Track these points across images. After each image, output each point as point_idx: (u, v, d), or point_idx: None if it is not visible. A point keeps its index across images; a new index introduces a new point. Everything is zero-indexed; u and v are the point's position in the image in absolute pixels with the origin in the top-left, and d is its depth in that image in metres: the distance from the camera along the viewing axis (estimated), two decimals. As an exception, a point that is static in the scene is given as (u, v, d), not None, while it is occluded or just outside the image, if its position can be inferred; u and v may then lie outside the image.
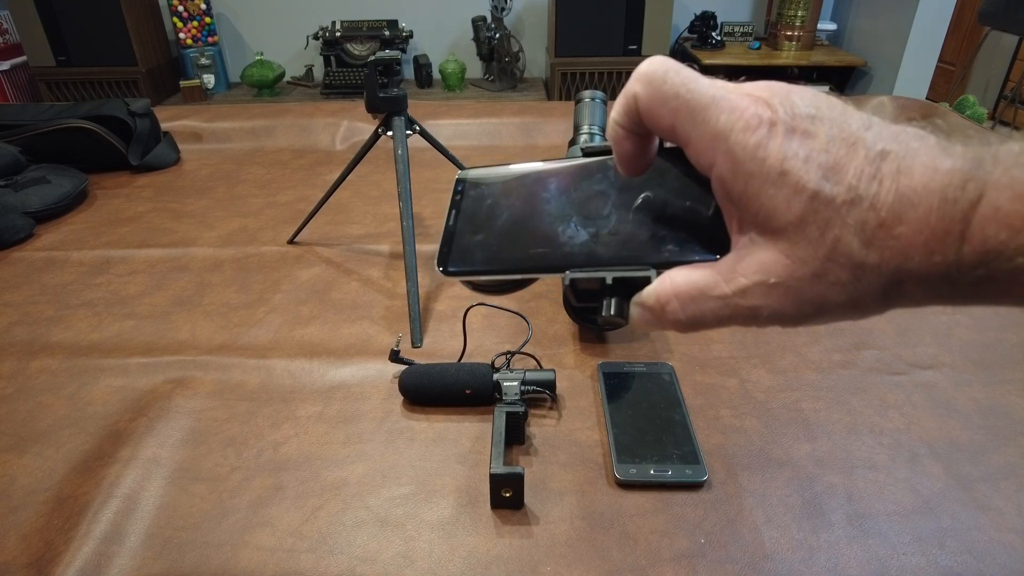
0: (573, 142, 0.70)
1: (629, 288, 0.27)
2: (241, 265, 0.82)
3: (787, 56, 2.63)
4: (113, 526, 0.47)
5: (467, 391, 0.57)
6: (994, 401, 0.58)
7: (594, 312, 0.28)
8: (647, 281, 0.26)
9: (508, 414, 0.53)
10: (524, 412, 0.53)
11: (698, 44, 2.74)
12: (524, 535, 0.47)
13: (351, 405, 0.59)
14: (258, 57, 2.66)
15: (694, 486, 0.50)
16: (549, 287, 0.76)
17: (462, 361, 0.62)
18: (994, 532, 0.46)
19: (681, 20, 2.80)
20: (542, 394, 0.57)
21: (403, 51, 2.71)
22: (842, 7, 2.89)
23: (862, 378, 0.61)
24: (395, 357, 0.60)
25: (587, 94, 0.71)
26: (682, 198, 0.27)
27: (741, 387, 0.60)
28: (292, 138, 1.24)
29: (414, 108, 0.92)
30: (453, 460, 0.53)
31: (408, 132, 0.77)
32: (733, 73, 2.54)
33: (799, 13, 2.61)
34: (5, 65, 2.52)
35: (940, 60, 2.57)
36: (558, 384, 0.59)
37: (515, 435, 0.53)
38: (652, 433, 0.54)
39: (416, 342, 0.67)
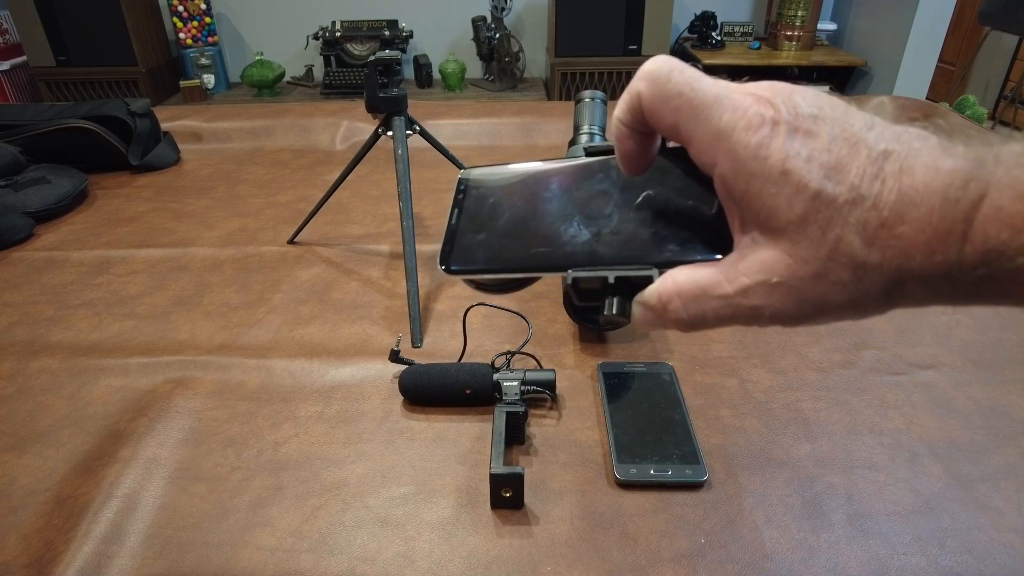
0: (573, 142, 0.70)
1: (631, 287, 0.27)
2: (241, 265, 0.82)
3: (787, 56, 2.63)
4: (113, 526, 0.47)
5: (467, 391, 0.57)
6: (994, 401, 0.58)
7: (596, 312, 0.28)
8: (649, 280, 0.26)
9: (508, 414, 0.53)
10: (524, 412, 0.53)
11: (698, 44, 2.74)
12: (524, 535, 0.47)
13: (351, 405, 0.59)
14: (258, 57, 2.66)
15: (694, 486, 0.50)
16: (549, 287, 0.76)
17: (462, 361, 0.62)
18: (994, 532, 0.46)
19: (681, 20, 2.80)
20: (542, 394, 0.57)
21: (403, 51, 2.71)
22: (842, 7, 2.89)
23: (862, 378, 0.61)
24: (395, 357, 0.60)
25: (587, 94, 0.71)
26: (684, 198, 0.27)
27: (741, 387, 0.60)
28: (292, 138, 1.24)
29: (414, 108, 0.92)
30: (453, 460, 0.53)
31: (408, 132, 0.77)
32: (733, 73, 2.54)
33: (799, 13, 2.61)
34: (5, 65, 2.52)
35: (940, 60, 2.57)
36: (558, 384, 0.59)
37: (515, 435, 0.53)
38: (652, 433, 0.54)
39: (416, 342, 0.67)
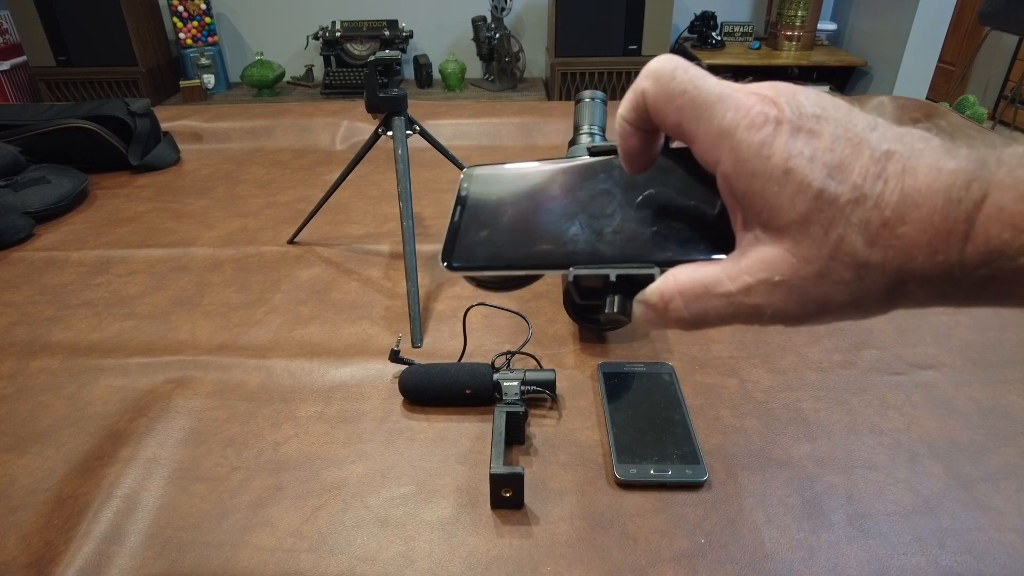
0: (573, 142, 0.70)
1: (633, 286, 0.27)
2: (241, 265, 0.82)
3: (787, 56, 2.63)
4: (113, 526, 0.47)
5: (467, 391, 0.57)
6: (994, 401, 0.58)
7: (597, 311, 0.28)
8: (651, 279, 0.26)
9: (508, 414, 0.53)
10: (524, 412, 0.53)
11: (698, 44, 2.74)
12: (524, 535, 0.47)
13: (351, 405, 0.59)
14: (258, 57, 2.66)
15: (694, 486, 0.50)
16: (549, 287, 0.76)
17: (462, 361, 0.62)
18: (994, 532, 0.46)
19: (681, 20, 2.80)
20: (542, 394, 0.57)
21: (403, 51, 2.71)
22: (842, 7, 2.89)
23: (862, 378, 0.61)
24: (395, 357, 0.60)
25: (587, 94, 0.71)
26: (687, 197, 0.27)
27: (741, 387, 0.60)
28: (292, 138, 1.24)
29: (414, 108, 0.92)
30: (453, 460, 0.53)
31: (408, 132, 0.77)
32: (734, 73, 2.54)
33: (799, 13, 2.61)
34: (5, 65, 2.52)
35: (940, 60, 2.57)
36: (558, 384, 0.59)
37: (515, 435, 0.53)
38: (652, 433, 0.54)
39: (416, 342, 0.67)
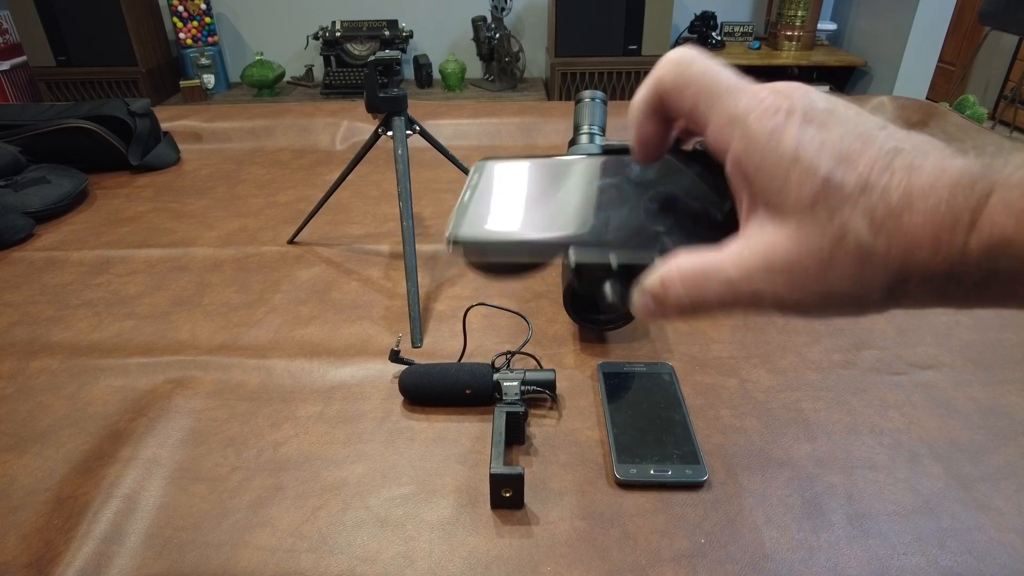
0: (573, 142, 0.69)
1: (634, 274, 0.27)
2: (241, 265, 0.82)
3: (787, 56, 2.63)
4: (113, 526, 0.47)
5: (467, 391, 0.57)
6: (994, 401, 0.58)
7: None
8: (651, 265, 0.27)
9: (508, 414, 0.53)
10: (524, 412, 0.53)
11: (698, 44, 2.74)
12: (524, 535, 0.47)
13: (351, 405, 0.59)
14: (258, 57, 2.66)
15: (694, 486, 0.50)
16: (549, 287, 0.76)
17: (462, 361, 0.62)
18: (994, 532, 0.46)
19: (681, 20, 2.80)
20: (542, 394, 0.57)
21: (403, 51, 2.71)
22: (842, 7, 2.89)
23: (862, 378, 0.61)
24: (395, 357, 0.60)
25: (587, 94, 0.71)
26: (694, 197, 0.28)
27: (741, 387, 0.60)
28: (292, 138, 1.24)
29: (414, 108, 0.92)
30: (453, 460, 0.53)
31: (408, 132, 0.77)
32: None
33: (799, 13, 2.61)
34: (5, 65, 2.52)
35: (940, 60, 2.57)
36: (558, 384, 0.59)
37: (515, 435, 0.53)
38: (652, 433, 0.54)
39: (416, 342, 0.67)
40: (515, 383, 0.56)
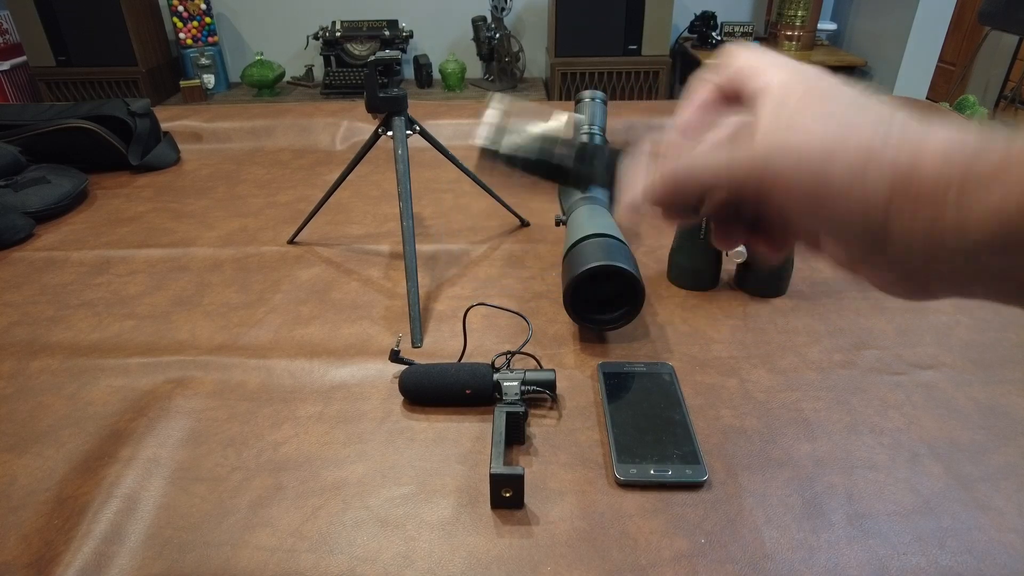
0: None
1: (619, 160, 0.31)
2: (241, 265, 0.82)
3: (787, 56, 2.63)
4: (113, 526, 0.47)
5: (467, 391, 0.57)
6: (994, 401, 0.58)
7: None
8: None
9: (508, 414, 0.53)
10: (524, 412, 0.53)
11: (698, 44, 2.74)
12: (524, 535, 0.47)
13: (351, 405, 0.59)
14: (258, 57, 2.65)
15: (694, 486, 0.50)
16: (549, 287, 0.76)
17: (462, 361, 0.62)
18: (994, 532, 0.46)
19: (681, 20, 2.79)
20: (542, 394, 0.57)
21: (403, 51, 2.70)
22: (842, 7, 2.89)
23: (862, 378, 0.61)
24: (395, 357, 0.60)
25: (587, 94, 0.71)
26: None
27: (741, 387, 0.60)
28: (292, 138, 1.24)
29: (414, 108, 0.92)
30: (453, 460, 0.53)
31: (408, 132, 0.77)
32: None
33: (799, 13, 2.60)
34: (5, 65, 2.52)
35: (940, 60, 2.57)
36: (558, 384, 0.59)
37: (515, 435, 0.53)
38: (652, 433, 0.54)
39: (416, 342, 0.67)
40: (515, 383, 0.56)
